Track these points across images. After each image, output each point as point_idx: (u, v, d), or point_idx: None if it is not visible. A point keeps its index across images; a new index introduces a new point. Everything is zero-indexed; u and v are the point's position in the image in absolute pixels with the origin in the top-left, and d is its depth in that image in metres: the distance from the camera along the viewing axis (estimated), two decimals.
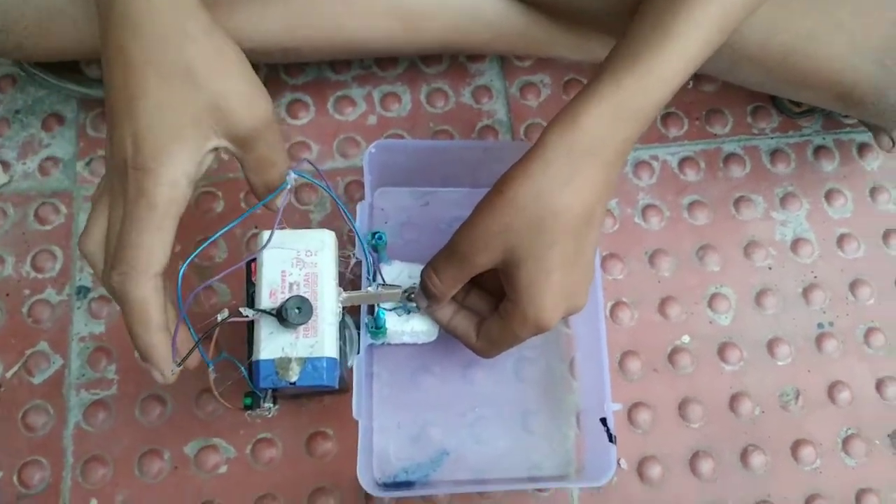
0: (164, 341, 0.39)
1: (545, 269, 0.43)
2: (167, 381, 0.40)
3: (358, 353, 0.48)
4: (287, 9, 0.54)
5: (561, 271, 0.43)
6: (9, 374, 0.57)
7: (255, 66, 0.65)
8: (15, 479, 0.54)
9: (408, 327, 0.53)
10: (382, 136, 0.66)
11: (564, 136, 0.42)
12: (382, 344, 0.55)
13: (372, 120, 0.66)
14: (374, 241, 0.54)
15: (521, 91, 0.68)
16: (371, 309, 0.50)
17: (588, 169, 0.42)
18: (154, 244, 0.38)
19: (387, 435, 0.55)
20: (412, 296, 0.49)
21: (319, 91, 0.67)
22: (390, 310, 0.51)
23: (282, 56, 0.58)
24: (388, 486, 0.53)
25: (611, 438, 0.49)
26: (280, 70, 0.67)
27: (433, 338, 0.54)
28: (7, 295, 0.59)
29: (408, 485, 0.53)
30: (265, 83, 0.65)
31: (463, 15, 0.58)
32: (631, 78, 0.42)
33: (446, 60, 0.69)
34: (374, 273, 0.49)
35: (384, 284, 0.49)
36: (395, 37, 0.58)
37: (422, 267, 0.53)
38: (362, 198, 0.55)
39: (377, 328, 0.50)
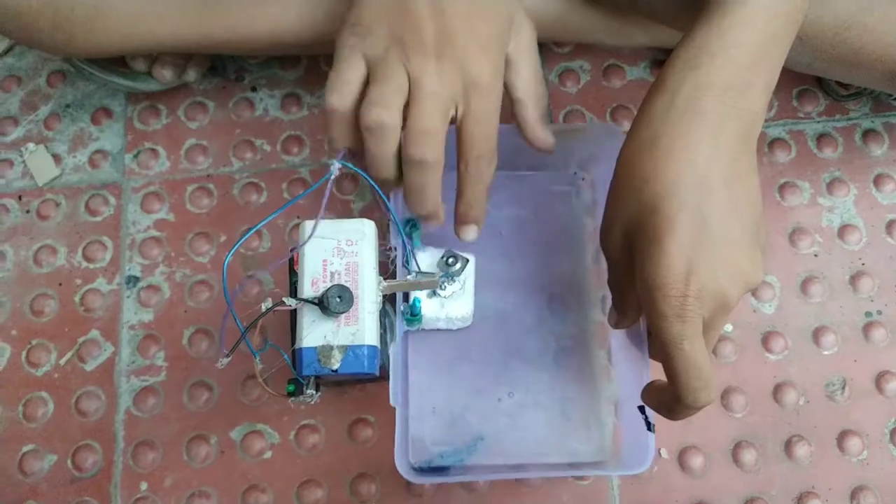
0: None
1: (665, 256, 0.38)
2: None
3: (394, 340, 0.49)
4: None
5: (690, 256, 0.38)
6: (62, 362, 0.59)
7: (296, 57, 0.67)
8: (69, 462, 0.56)
9: (443, 314, 0.53)
10: None
11: (654, 99, 0.41)
12: (418, 329, 0.55)
13: None
14: (408, 230, 0.54)
15: (560, 77, 0.68)
16: (406, 296, 0.51)
17: (689, 128, 0.39)
18: None
19: (423, 420, 0.55)
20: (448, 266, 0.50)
21: None
22: (430, 295, 0.51)
23: (321, 48, 0.59)
24: (424, 470, 0.54)
25: (649, 427, 0.49)
26: (320, 61, 0.68)
27: (468, 324, 0.54)
28: (60, 285, 0.61)
29: (443, 469, 0.54)
30: (304, 74, 0.67)
31: None
32: (743, 8, 0.40)
33: None
34: (410, 260, 0.49)
35: (421, 272, 0.50)
36: None
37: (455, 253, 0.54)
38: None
39: (413, 315, 0.51)
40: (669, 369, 0.39)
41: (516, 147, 0.58)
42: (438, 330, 0.56)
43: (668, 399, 0.40)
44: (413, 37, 0.44)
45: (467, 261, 0.55)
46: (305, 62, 0.68)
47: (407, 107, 0.44)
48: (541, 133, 0.51)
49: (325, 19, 0.55)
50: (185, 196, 0.63)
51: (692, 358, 0.38)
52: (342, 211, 0.62)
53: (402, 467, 0.47)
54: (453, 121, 0.46)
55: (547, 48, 0.69)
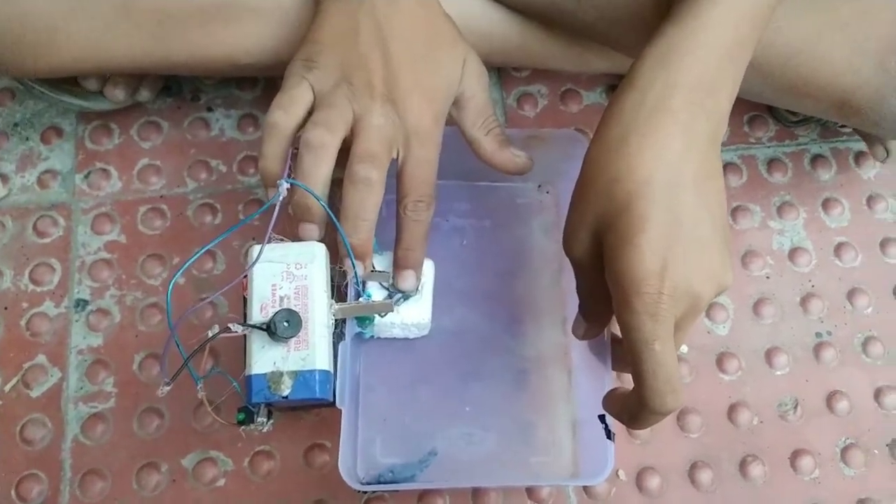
0: None
1: (639, 253, 0.38)
2: None
3: (343, 339, 0.47)
4: (282, 24, 0.54)
5: (664, 254, 0.38)
6: (7, 388, 0.57)
7: (253, 78, 0.67)
8: (13, 493, 0.54)
9: (398, 319, 0.52)
10: None
11: (613, 102, 0.41)
12: (371, 338, 0.54)
13: None
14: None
15: (518, 101, 0.68)
16: (358, 294, 0.50)
17: (660, 126, 0.39)
18: None
19: (373, 430, 0.54)
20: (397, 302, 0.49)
21: None
22: (386, 296, 0.50)
23: (279, 70, 0.59)
24: (371, 485, 0.53)
25: (609, 435, 0.48)
26: (278, 82, 0.67)
27: (425, 332, 0.53)
28: (5, 308, 0.59)
29: (392, 484, 0.53)
30: (261, 95, 0.66)
31: (460, 27, 0.58)
32: (713, 9, 0.40)
33: None
34: (363, 284, 0.49)
35: (375, 271, 0.49)
36: None
37: None
38: None
39: (365, 317, 0.50)
40: (638, 372, 0.38)
41: (466, 153, 0.58)
42: (395, 339, 0.55)
43: (632, 405, 0.39)
44: (361, 79, 0.46)
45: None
46: (262, 82, 0.67)
47: (348, 140, 0.46)
48: (503, 159, 0.52)
49: (284, 43, 0.54)
50: (137, 217, 0.62)
51: (662, 360, 0.37)
52: (298, 233, 0.62)
53: (345, 473, 0.45)
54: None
55: (505, 72, 0.69)
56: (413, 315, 0.52)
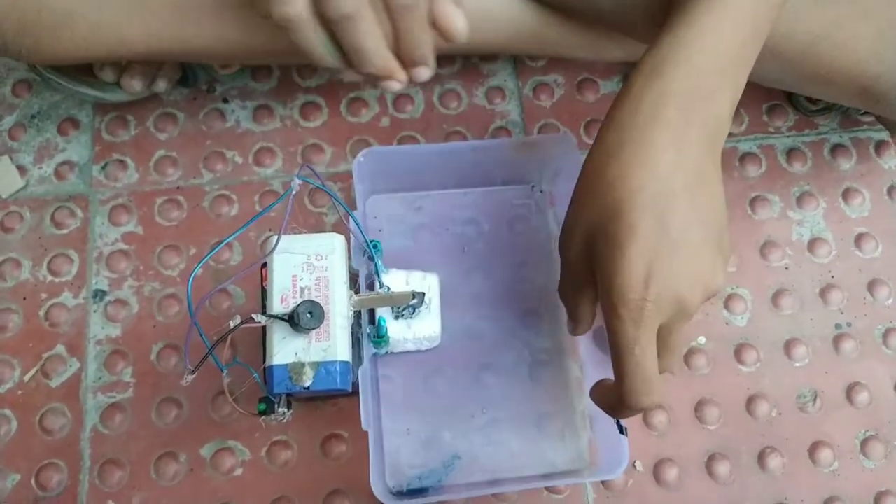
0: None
1: (625, 261, 0.39)
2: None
3: (361, 363, 0.48)
4: None
5: (650, 261, 0.39)
6: (26, 378, 0.57)
7: (268, 69, 0.67)
8: (33, 481, 0.55)
9: (410, 334, 0.52)
10: (395, 138, 0.65)
11: (620, 105, 0.41)
12: (387, 353, 0.54)
13: (385, 122, 0.66)
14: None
15: (534, 91, 0.68)
16: (372, 318, 0.50)
17: (653, 135, 0.40)
18: None
19: (397, 443, 0.55)
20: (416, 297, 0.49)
21: (332, 93, 0.67)
22: (396, 317, 0.50)
23: (295, 57, 0.59)
24: (402, 494, 0.53)
25: (621, 430, 0.48)
26: (293, 72, 0.67)
27: (436, 343, 0.54)
28: (24, 299, 0.59)
29: (422, 491, 0.53)
30: (277, 86, 0.66)
31: (475, 16, 0.58)
32: (707, 16, 0.40)
33: (459, 61, 0.69)
34: (378, 277, 0.49)
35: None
36: None
37: (420, 274, 0.53)
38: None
39: (379, 337, 0.50)
40: (618, 372, 0.40)
41: (472, 163, 0.58)
42: (408, 352, 0.55)
43: (612, 398, 0.42)
44: None
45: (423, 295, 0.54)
46: (278, 73, 0.67)
47: None
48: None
49: None
50: (154, 208, 0.62)
51: (641, 363, 0.39)
52: (315, 224, 0.62)
53: (378, 492, 0.46)
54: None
55: (521, 62, 0.69)
56: (424, 329, 0.53)
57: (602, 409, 0.44)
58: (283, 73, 0.67)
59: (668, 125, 0.40)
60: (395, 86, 0.46)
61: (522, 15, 0.58)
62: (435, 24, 0.45)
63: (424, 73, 0.47)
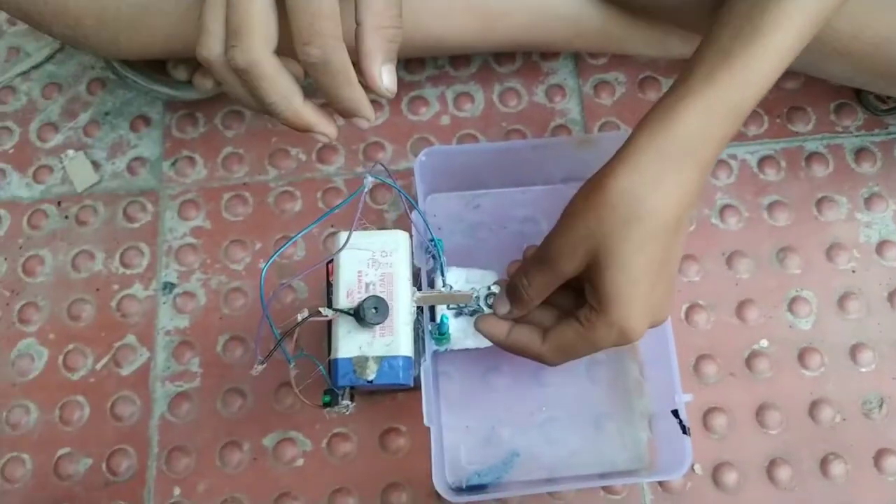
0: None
1: (632, 277, 0.41)
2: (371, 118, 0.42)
3: (424, 360, 0.48)
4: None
5: (647, 280, 0.41)
6: (98, 366, 0.60)
7: None
8: (104, 466, 0.57)
9: (471, 332, 0.53)
10: (455, 136, 0.66)
11: (655, 136, 0.41)
12: (446, 350, 0.55)
13: (445, 120, 0.67)
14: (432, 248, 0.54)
15: (595, 89, 0.68)
16: (433, 315, 0.51)
17: (679, 171, 0.41)
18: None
19: (457, 439, 0.55)
20: (487, 298, 0.49)
21: None
22: (456, 314, 0.51)
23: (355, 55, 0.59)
24: (461, 490, 0.54)
25: (684, 430, 0.48)
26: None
27: None
28: (97, 290, 0.62)
29: (481, 487, 0.54)
30: None
31: (540, 12, 0.58)
32: (725, 73, 0.40)
33: (519, 59, 0.69)
34: (442, 275, 0.49)
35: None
36: (471, 34, 0.58)
37: (480, 272, 0.53)
38: None
39: (441, 334, 0.51)
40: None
41: (531, 161, 0.58)
42: (468, 349, 0.56)
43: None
44: None
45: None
46: None
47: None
48: (375, 69, 0.41)
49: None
50: (221, 204, 0.64)
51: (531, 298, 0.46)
52: (376, 220, 0.63)
53: (440, 488, 0.47)
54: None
55: (581, 60, 0.69)
56: None
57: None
58: None
59: (689, 163, 0.42)
60: (363, 123, 0.43)
61: (586, 11, 0.58)
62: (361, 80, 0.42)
63: (362, 123, 0.43)
